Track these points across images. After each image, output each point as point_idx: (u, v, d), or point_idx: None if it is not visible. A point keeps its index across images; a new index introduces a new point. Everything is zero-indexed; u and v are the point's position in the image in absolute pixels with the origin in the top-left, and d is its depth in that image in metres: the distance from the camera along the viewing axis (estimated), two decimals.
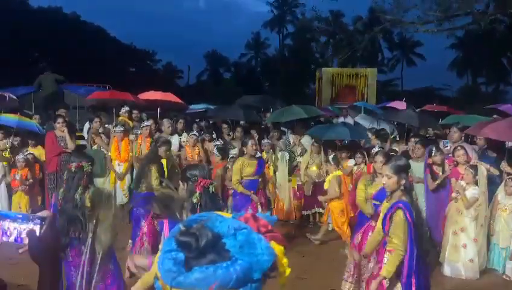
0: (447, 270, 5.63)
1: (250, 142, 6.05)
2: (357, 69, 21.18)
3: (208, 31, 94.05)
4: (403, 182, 3.22)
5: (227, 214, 1.36)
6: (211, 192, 2.74)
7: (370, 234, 4.59)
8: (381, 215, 3.38)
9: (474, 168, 5.66)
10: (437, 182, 5.91)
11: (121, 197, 7.39)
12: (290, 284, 1.22)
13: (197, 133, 7.81)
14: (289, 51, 44.70)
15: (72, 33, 29.79)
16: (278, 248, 1.27)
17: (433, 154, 6.05)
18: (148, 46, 44.66)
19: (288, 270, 1.34)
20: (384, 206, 3.40)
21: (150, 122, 7.77)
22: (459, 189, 5.60)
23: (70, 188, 3.11)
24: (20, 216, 2.61)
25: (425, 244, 3.38)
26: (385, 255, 3.32)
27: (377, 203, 4.67)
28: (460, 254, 5.57)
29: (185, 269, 1.12)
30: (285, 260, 1.31)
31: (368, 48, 23.16)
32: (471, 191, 5.57)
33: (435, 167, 6.05)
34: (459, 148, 5.96)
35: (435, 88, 39.47)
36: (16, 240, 2.51)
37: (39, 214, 2.70)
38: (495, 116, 9.00)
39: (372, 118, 10.79)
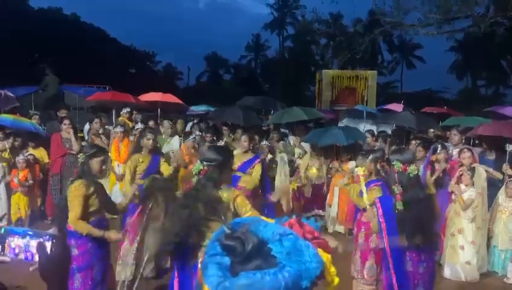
0: (446, 272, 5.63)
1: (243, 137, 6.04)
2: (357, 71, 21.18)
3: (208, 33, 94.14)
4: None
5: (270, 219, 1.31)
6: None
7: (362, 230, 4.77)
8: None
9: (472, 169, 5.67)
10: (433, 177, 5.92)
11: (120, 199, 7.36)
12: None
13: (195, 136, 7.72)
14: (289, 53, 44.75)
15: (72, 34, 29.78)
16: (325, 256, 1.23)
17: (438, 151, 6.05)
18: (148, 47, 44.64)
19: (336, 280, 1.29)
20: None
21: (141, 125, 7.76)
22: (456, 190, 5.60)
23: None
24: (31, 233, 2.53)
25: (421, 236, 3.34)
26: None
27: None
28: (458, 256, 5.58)
29: (231, 274, 1.08)
30: (333, 269, 1.27)
31: (368, 50, 23.15)
32: (468, 193, 5.58)
33: (437, 165, 6.04)
34: (465, 150, 5.96)
35: (435, 91, 39.54)
36: (26, 257, 2.43)
37: (50, 231, 2.64)
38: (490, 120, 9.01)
39: (372, 120, 10.79)
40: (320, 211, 7.73)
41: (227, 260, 1.09)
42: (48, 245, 2.50)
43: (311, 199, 7.70)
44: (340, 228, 7.51)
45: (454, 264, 5.58)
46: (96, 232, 3.40)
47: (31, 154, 7.48)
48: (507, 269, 5.60)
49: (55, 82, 11.20)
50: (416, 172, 3.47)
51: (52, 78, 11.21)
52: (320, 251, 1.21)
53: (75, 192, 3.46)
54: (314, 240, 1.23)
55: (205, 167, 2.94)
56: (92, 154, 3.65)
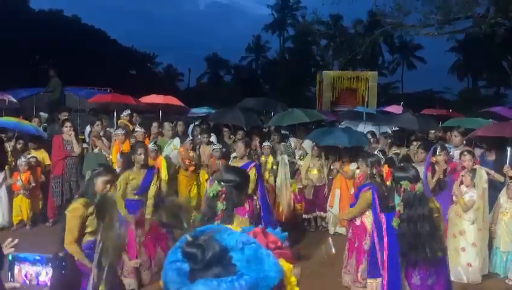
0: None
1: (239, 144, 6.36)
2: (357, 72, 21.21)
3: (208, 34, 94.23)
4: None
5: (236, 228, 1.30)
6: (210, 195, 2.81)
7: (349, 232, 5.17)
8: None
9: (473, 171, 5.67)
10: (434, 179, 5.92)
11: None
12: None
13: (192, 139, 7.72)
14: (290, 54, 44.76)
15: (73, 35, 29.85)
16: (286, 266, 1.22)
17: (438, 153, 6.05)
18: (148, 48, 44.72)
19: (297, 289, 1.28)
20: None
21: (140, 128, 7.79)
22: (457, 192, 5.60)
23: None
24: (39, 258, 2.47)
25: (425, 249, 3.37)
26: None
27: None
28: (460, 258, 5.57)
29: (189, 281, 1.08)
30: (293, 279, 1.25)
31: (369, 51, 23.13)
32: (469, 194, 5.58)
33: (437, 167, 6.04)
34: (465, 153, 5.95)
35: (435, 91, 39.55)
36: (37, 283, 2.38)
37: (60, 254, 2.61)
38: (491, 120, 9.02)
39: (372, 122, 10.79)
40: (322, 212, 7.73)
41: (186, 267, 1.09)
42: (59, 269, 2.48)
43: (313, 201, 7.70)
44: (342, 230, 7.50)
45: (456, 266, 5.57)
46: (86, 262, 3.29)
47: (33, 157, 7.49)
48: (509, 271, 5.59)
49: (60, 85, 11.26)
50: (422, 190, 3.48)
51: (57, 80, 11.27)
52: (282, 261, 1.20)
53: (74, 212, 3.42)
54: (277, 250, 1.23)
55: (223, 188, 2.88)
56: (98, 173, 3.62)
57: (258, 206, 5.01)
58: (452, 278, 5.54)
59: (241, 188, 2.96)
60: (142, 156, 5.23)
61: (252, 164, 5.75)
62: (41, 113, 9.75)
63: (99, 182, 3.60)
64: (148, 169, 5.28)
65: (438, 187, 6.01)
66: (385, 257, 3.54)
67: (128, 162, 5.39)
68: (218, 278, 1.06)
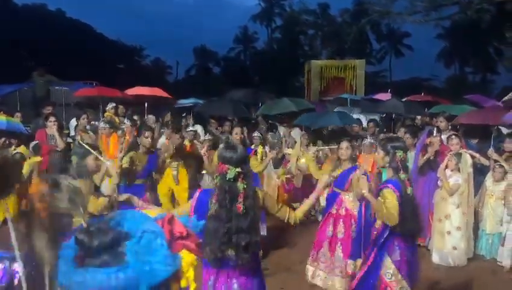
0: (435, 257, 5.69)
1: (236, 129, 6.07)
2: (345, 61, 21.22)
3: (196, 26, 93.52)
4: (387, 159, 3.43)
5: (152, 213, 1.24)
6: (227, 179, 2.71)
7: (336, 224, 4.76)
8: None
9: (458, 155, 5.71)
10: (425, 157, 5.95)
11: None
12: (279, 276, 1.13)
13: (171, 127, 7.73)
14: (278, 44, 44.61)
15: (58, 30, 29.44)
16: (188, 257, 1.16)
17: (434, 135, 6.11)
18: (135, 41, 44.23)
19: (193, 285, 1.20)
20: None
21: (128, 121, 7.77)
22: (442, 176, 5.65)
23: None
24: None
25: (415, 223, 3.41)
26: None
27: (338, 190, 4.82)
28: (445, 241, 5.63)
29: (74, 267, 1.06)
30: (190, 273, 1.18)
31: (356, 39, 23.14)
32: (454, 178, 5.62)
33: (430, 149, 6.06)
34: (453, 137, 6.00)
35: (423, 78, 39.73)
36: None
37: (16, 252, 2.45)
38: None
39: (359, 108, 10.84)
40: None
41: (72, 253, 1.07)
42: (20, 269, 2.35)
43: (302, 190, 7.71)
44: None
45: (442, 250, 5.64)
46: None
47: (18, 153, 7.38)
48: (498, 253, 5.65)
49: (45, 80, 11.16)
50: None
51: (40, 76, 11.15)
52: (184, 252, 1.15)
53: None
54: (181, 240, 1.17)
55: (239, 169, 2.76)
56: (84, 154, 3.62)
57: None
58: (438, 262, 5.64)
59: (247, 160, 2.91)
60: (149, 140, 5.22)
61: (252, 150, 5.75)
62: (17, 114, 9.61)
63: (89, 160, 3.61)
64: (150, 155, 5.29)
65: (429, 167, 6.03)
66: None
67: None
68: (100, 268, 1.03)
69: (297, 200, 7.79)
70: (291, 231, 7.03)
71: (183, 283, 1.17)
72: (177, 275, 1.13)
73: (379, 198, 3.40)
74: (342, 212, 4.72)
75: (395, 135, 4.27)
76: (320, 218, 7.60)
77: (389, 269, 3.38)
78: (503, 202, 5.70)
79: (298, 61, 36.67)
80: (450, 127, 7.08)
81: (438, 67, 41.61)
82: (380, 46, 44.60)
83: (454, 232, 5.62)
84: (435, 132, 6.15)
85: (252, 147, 7.61)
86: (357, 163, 4.83)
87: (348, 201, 4.73)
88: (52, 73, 11.98)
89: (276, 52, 42.17)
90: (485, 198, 5.94)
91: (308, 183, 7.72)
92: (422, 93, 13.44)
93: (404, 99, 10.95)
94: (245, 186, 2.74)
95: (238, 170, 2.73)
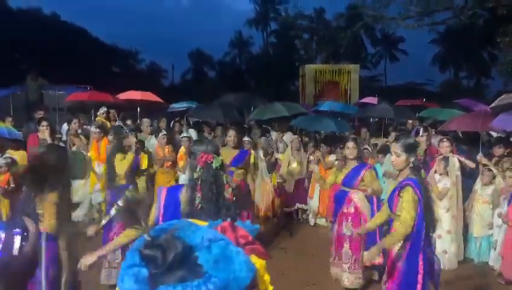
0: None
1: (229, 133, 5.89)
2: (339, 65, 21.26)
3: (191, 30, 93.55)
4: (412, 160, 3.21)
5: (202, 222, 1.19)
6: (214, 167, 2.59)
7: (344, 222, 4.76)
8: (389, 193, 3.41)
9: (446, 159, 5.74)
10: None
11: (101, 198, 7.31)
12: (272, 279, 1.12)
13: (165, 133, 7.68)
14: (273, 49, 44.69)
15: (53, 34, 29.37)
16: (258, 263, 1.13)
17: (420, 134, 6.12)
18: (130, 45, 44.12)
19: (270, 288, 1.20)
20: (392, 184, 3.47)
21: (120, 123, 7.77)
22: (431, 180, 5.67)
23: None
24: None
25: (431, 222, 3.31)
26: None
27: (346, 189, 4.85)
28: (436, 245, 5.64)
29: (150, 288, 0.95)
30: (267, 276, 1.17)
31: (351, 44, 23.24)
32: (443, 182, 5.66)
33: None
34: (444, 140, 6.03)
35: (418, 83, 39.85)
36: None
37: (26, 223, 2.40)
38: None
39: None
40: (303, 205, 7.77)
41: (145, 272, 0.97)
42: (17, 239, 2.32)
43: (293, 194, 7.73)
44: (322, 221, 7.57)
45: None
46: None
47: (9, 157, 7.34)
48: (490, 257, 5.67)
49: (37, 85, 11.16)
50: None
51: (34, 81, 11.15)
52: (253, 258, 1.11)
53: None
54: (248, 245, 1.13)
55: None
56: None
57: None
58: None
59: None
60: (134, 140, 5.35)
61: (249, 151, 5.84)
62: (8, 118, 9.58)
63: None
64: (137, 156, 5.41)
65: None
66: None
67: None
68: (183, 283, 0.95)
69: (288, 204, 7.81)
70: (284, 234, 7.03)
71: (262, 287, 1.15)
72: (255, 280, 1.10)
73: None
74: (351, 210, 4.78)
75: (404, 135, 4.22)
76: (312, 221, 7.64)
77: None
78: (490, 206, 5.74)
79: (293, 66, 36.71)
80: (434, 132, 7.10)
81: (432, 72, 41.84)
82: (375, 51, 44.81)
83: (444, 235, 5.65)
84: (421, 131, 6.17)
85: None
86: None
87: (358, 199, 4.79)
88: (46, 77, 11.97)
89: (272, 57, 42.25)
90: (473, 202, 5.96)
91: (299, 187, 7.74)
92: (424, 99, 13.51)
93: (394, 105, 11.00)
94: (227, 175, 2.73)
95: (222, 158, 2.68)
